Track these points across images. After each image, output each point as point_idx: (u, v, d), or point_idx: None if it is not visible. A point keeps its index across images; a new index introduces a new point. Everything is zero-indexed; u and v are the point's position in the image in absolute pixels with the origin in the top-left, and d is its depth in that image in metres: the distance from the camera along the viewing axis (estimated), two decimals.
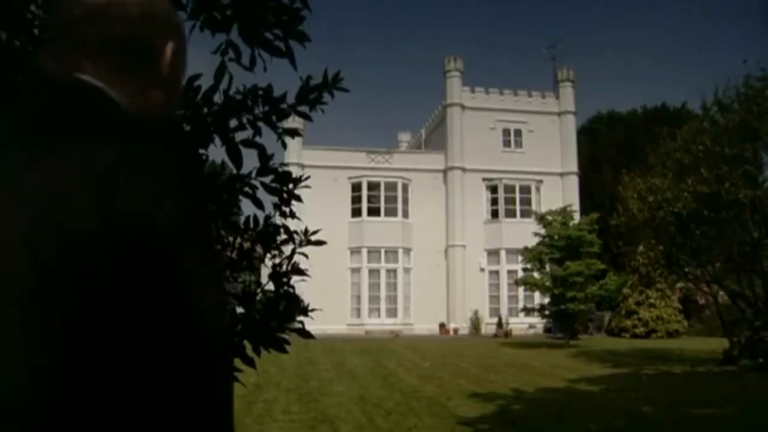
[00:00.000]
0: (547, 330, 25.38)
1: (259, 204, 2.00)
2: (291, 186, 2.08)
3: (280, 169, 2.03)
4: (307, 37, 1.90)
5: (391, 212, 27.45)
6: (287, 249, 2.13)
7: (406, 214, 27.66)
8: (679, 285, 22.99)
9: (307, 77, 1.99)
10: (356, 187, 27.46)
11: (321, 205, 24.32)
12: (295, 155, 25.81)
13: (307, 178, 2.24)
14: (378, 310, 26.75)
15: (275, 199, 2.10)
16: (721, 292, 15.71)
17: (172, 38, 0.92)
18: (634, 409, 8.29)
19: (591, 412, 8.09)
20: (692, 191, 13.00)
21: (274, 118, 1.97)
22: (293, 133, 2.03)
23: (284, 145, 2.07)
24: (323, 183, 24.97)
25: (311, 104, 2.01)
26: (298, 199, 2.13)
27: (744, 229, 13.16)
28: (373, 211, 27.29)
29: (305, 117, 2.01)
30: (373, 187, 27.49)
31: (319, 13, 1.97)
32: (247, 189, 1.96)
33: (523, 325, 25.58)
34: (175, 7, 1.78)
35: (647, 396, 9.47)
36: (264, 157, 1.97)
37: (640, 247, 16.62)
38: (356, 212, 27.33)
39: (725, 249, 13.75)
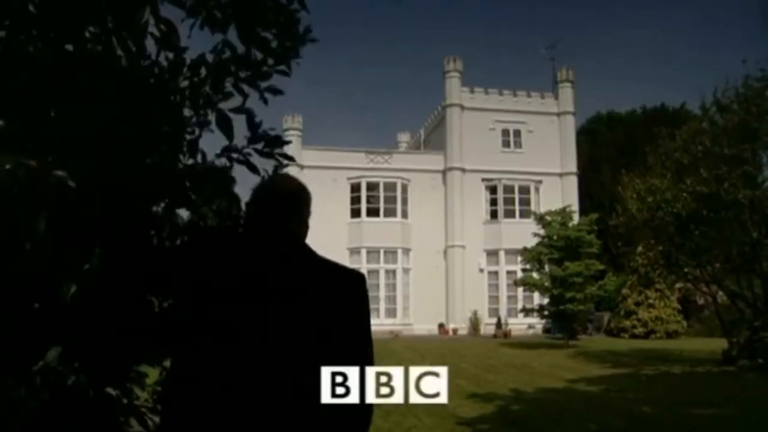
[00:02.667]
0: (546, 330, 25.38)
1: (254, 168, 2.09)
2: (283, 149, 2.20)
3: (270, 134, 2.12)
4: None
5: (390, 213, 27.45)
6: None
7: (405, 215, 27.66)
8: (678, 285, 22.98)
9: (281, 40, 2.08)
10: (355, 188, 27.45)
11: (320, 205, 24.20)
12: (294, 156, 25.70)
13: (289, 142, 2.36)
14: (377, 310, 26.71)
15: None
16: (720, 293, 15.72)
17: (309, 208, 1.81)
18: (634, 409, 8.29)
19: (590, 412, 8.09)
20: (691, 191, 13.00)
21: (258, 81, 2.08)
22: (275, 91, 2.12)
23: (266, 102, 2.18)
24: (322, 183, 24.95)
25: (287, 60, 2.09)
26: (291, 159, 2.28)
27: (743, 229, 13.17)
28: (372, 212, 27.28)
29: (285, 74, 2.11)
30: (372, 187, 27.48)
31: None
32: (240, 157, 2.08)
33: (522, 325, 25.58)
34: (175, 4, 1.80)
35: (647, 396, 9.47)
36: (252, 123, 2.06)
37: (639, 248, 16.63)
38: (355, 213, 27.32)
39: (724, 249, 13.76)
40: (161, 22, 1.76)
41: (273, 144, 2.13)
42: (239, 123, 2.03)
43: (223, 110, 1.97)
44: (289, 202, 1.70)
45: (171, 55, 1.84)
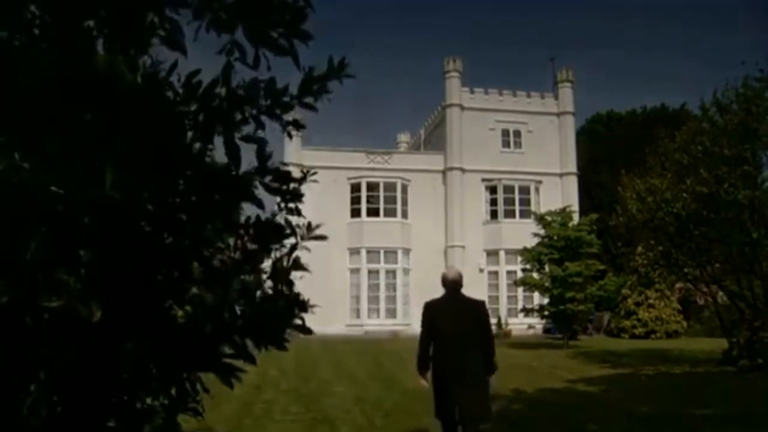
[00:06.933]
0: (546, 330, 25.37)
1: (259, 204, 1.94)
2: (291, 185, 2.02)
3: (280, 168, 1.97)
4: (310, 35, 1.89)
5: (390, 213, 27.45)
6: (288, 243, 2.06)
7: (405, 215, 27.66)
8: (678, 285, 22.98)
9: (310, 68, 1.95)
10: (355, 188, 27.45)
11: (320, 205, 24.26)
12: (295, 155, 25.79)
13: (315, 173, 2.17)
14: (377, 310, 26.74)
15: (277, 198, 2.04)
16: (721, 293, 15.71)
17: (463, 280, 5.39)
18: (634, 409, 8.29)
19: (590, 412, 8.10)
20: (691, 192, 13.00)
21: (278, 111, 1.92)
22: (297, 125, 1.97)
23: (290, 136, 2.02)
24: (322, 183, 24.85)
25: (315, 95, 1.96)
26: (300, 198, 2.08)
27: (743, 229, 13.16)
28: (372, 212, 27.28)
29: (310, 108, 1.95)
30: (372, 187, 27.48)
31: (320, 13, 1.96)
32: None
33: (522, 325, 25.58)
34: (180, 6, 1.76)
35: (646, 396, 9.48)
36: (263, 155, 1.90)
37: (639, 248, 16.64)
38: (355, 213, 27.32)
39: (724, 249, 13.74)
40: (166, 21, 1.73)
41: (283, 179, 1.96)
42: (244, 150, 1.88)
43: (233, 139, 1.80)
44: (459, 282, 5.09)
45: (183, 77, 1.74)
